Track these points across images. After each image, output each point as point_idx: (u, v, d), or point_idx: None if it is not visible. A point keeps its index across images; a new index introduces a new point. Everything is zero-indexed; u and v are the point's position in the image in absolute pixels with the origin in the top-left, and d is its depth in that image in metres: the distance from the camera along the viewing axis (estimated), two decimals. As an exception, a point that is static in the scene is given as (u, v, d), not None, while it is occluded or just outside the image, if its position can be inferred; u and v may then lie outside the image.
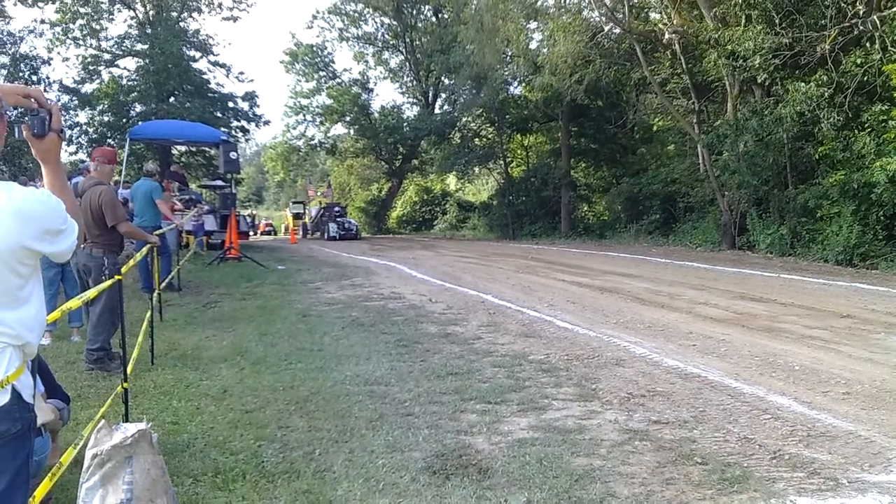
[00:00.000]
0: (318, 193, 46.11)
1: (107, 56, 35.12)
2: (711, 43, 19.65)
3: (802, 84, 17.17)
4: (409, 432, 5.15)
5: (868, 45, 16.73)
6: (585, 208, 35.77)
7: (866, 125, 16.16)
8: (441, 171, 43.58)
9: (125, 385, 4.98)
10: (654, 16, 28.01)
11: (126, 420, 4.78)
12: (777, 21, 17.90)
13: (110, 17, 34.35)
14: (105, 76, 34.97)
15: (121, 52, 35.13)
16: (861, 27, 16.68)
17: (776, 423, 5.31)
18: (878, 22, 16.22)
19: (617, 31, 25.26)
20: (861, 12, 16.58)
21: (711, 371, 6.82)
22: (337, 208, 37.70)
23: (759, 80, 19.11)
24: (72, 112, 32.31)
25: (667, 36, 22.86)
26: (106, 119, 33.39)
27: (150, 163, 14.85)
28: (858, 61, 16.47)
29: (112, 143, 30.01)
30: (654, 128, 32.86)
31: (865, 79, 16.56)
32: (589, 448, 4.83)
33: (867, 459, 4.57)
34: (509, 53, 30.09)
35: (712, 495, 4.08)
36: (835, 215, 17.21)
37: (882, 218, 16.01)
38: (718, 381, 6.46)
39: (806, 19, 17.83)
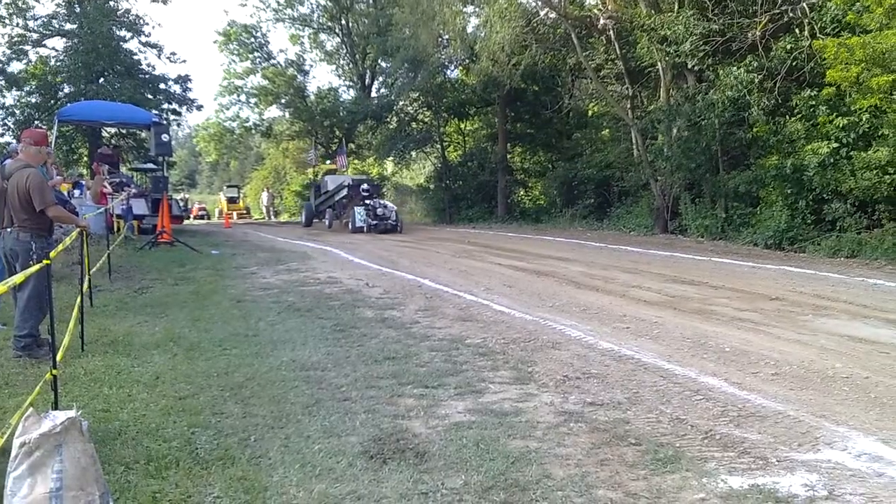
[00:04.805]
0: (327, 162, 39.36)
1: (34, 36, 34.02)
2: (644, 28, 19.84)
3: (733, 69, 17.48)
4: (345, 417, 5.13)
5: (798, 31, 17.09)
6: (522, 193, 35.89)
7: (795, 110, 16.50)
8: (378, 156, 43.23)
9: (54, 372, 4.86)
10: (589, 1, 28.18)
11: (55, 408, 4.66)
12: (709, 7, 18.18)
13: (38, -6, 33.32)
14: (32, 56, 33.91)
15: (49, 32, 34.06)
16: (791, 14, 17.05)
17: (708, 403, 5.41)
18: (807, 9, 16.61)
19: (552, 15, 25.35)
20: (791, -1, 16.96)
21: (645, 353, 6.92)
22: (366, 186, 26.49)
23: (689, 66, 19.37)
24: (-3, 93, 31.35)
25: (601, 21, 23.00)
26: (33, 100, 32.38)
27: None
28: (788, 47, 16.83)
29: (40, 125, 29.12)
30: (590, 113, 33.01)
31: (795, 64, 16.92)
32: (525, 430, 4.86)
33: (796, 439, 4.68)
34: (446, 37, 29.94)
35: (646, 475, 4.14)
36: (765, 200, 17.58)
37: (811, 202, 16.37)
38: (651, 363, 6.55)
39: (737, 5, 18.16)
